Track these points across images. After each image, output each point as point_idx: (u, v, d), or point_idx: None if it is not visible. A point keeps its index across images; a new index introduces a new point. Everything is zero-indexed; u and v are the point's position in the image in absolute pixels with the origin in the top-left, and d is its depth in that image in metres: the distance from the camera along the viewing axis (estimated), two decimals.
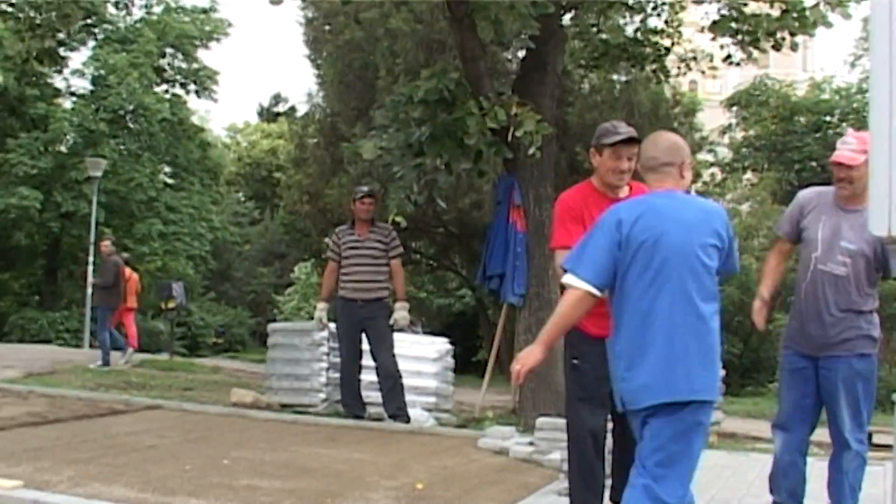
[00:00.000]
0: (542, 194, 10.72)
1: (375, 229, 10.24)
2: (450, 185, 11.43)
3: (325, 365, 11.19)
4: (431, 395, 11.56)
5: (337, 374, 11.05)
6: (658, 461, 4.26)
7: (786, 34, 11.18)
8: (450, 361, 12.08)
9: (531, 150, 9.79)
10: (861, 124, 29.66)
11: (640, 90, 19.30)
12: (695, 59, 14.77)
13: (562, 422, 8.72)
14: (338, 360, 11.16)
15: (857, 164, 5.61)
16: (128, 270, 17.59)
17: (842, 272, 5.72)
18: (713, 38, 13.69)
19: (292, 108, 55.00)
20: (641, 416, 4.33)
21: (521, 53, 18.83)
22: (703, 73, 15.36)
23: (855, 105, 30.93)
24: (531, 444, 8.75)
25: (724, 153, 32.49)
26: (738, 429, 13.10)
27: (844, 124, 28.89)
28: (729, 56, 13.79)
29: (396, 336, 11.85)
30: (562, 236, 5.70)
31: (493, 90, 10.31)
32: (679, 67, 14.78)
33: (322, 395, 11.08)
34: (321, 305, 10.52)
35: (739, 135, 32.07)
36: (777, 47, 11.71)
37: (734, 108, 32.29)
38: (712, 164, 31.12)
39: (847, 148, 5.75)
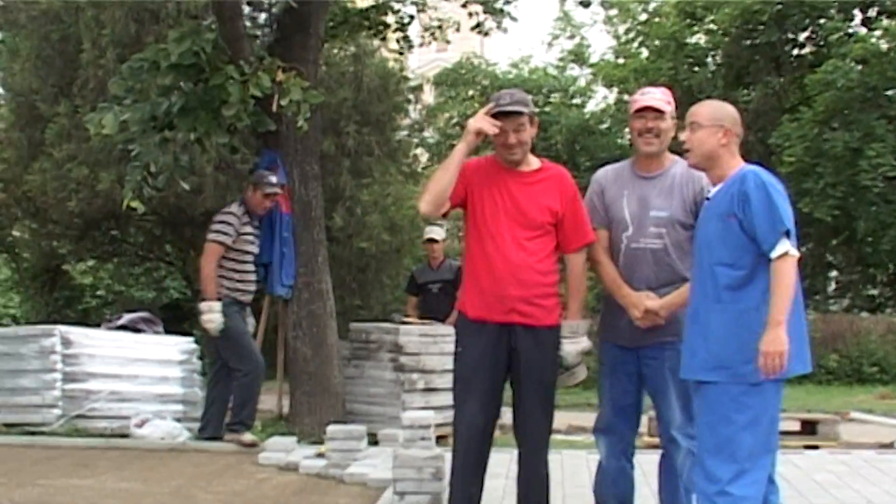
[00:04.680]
0: (308, 172, 9.60)
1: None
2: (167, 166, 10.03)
3: (58, 376, 9.51)
4: (178, 402, 10.23)
5: (73, 385, 9.54)
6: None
7: None
8: (196, 363, 10.76)
9: (299, 122, 8.65)
10: (566, 100, 30.11)
11: (367, 63, 18.33)
12: (440, 27, 13.99)
13: (357, 429, 7.77)
14: (71, 368, 9.64)
15: (666, 113, 5.02)
16: None
17: (657, 245, 5.02)
18: (464, 5, 13.06)
19: None
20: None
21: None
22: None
23: (557, 83, 31.18)
24: (321, 456, 7.70)
25: (429, 134, 31.92)
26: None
27: (553, 98, 29.11)
28: (479, 24, 13.23)
29: (135, 338, 10.60)
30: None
31: (255, 53, 9.06)
32: (423, 37, 13.97)
33: (57, 411, 9.41)
34: (216, 305, 8.41)
35: (445, 115, 31.59)
36: None
37: (439, 88, 31.85)
38: (419, 146, 30.44)
39: (652, 96, 5.06)
